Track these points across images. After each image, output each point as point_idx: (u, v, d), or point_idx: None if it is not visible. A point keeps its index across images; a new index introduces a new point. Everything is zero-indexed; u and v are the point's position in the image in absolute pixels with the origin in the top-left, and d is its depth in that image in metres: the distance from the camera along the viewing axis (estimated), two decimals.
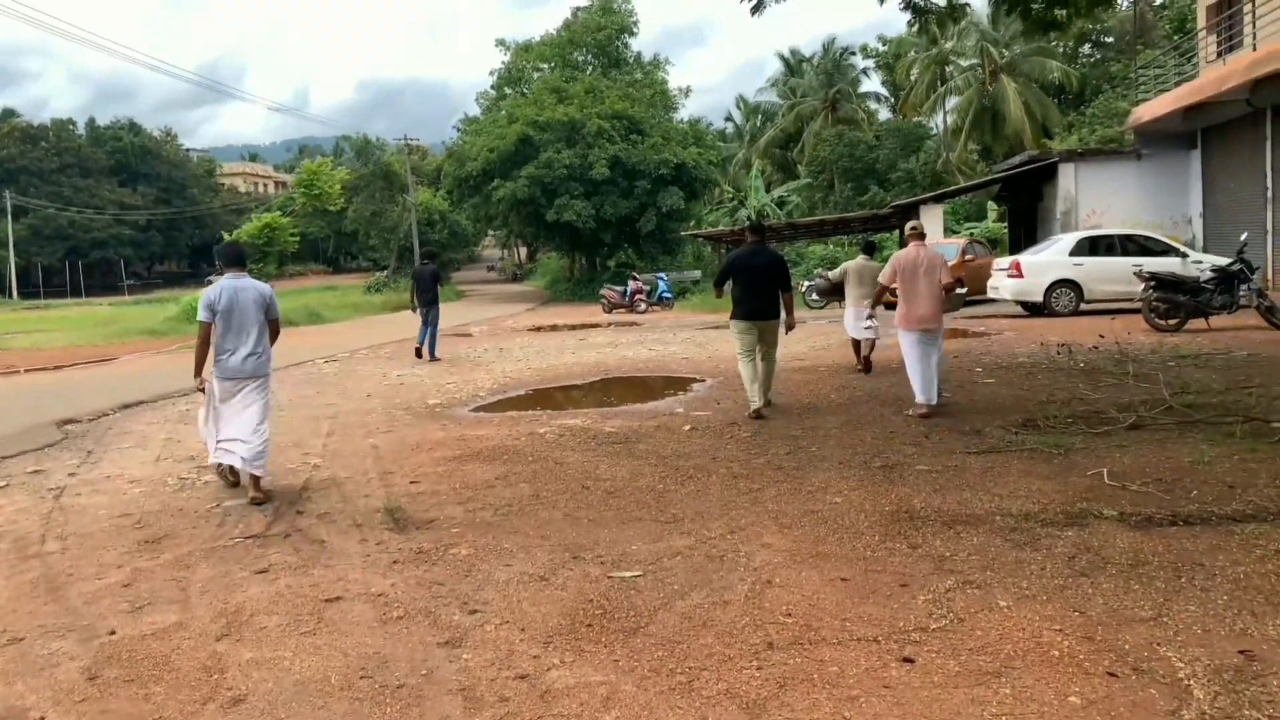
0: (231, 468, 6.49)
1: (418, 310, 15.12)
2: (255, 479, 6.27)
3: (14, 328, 28.09)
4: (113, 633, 3.97)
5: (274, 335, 6.63)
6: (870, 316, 10.89)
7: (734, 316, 8.97)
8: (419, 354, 14.94)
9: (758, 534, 4.96)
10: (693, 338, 17.00)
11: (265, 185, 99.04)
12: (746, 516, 5.29)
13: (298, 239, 28.59)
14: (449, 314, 28.20)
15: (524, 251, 76.60)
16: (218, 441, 6.33)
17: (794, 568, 4.42)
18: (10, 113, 72.36)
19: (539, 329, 22.01)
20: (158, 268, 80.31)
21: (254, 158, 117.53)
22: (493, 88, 42.48)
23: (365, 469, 7.09)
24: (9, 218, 59.51)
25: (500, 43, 42.13)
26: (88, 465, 7.56)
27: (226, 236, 25.90)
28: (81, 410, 10.31)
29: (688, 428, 8.16)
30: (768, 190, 42.56)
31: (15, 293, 57.16)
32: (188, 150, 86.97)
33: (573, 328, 21.94)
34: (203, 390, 6.48)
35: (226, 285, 6.38)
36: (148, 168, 72.94)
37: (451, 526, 5.38)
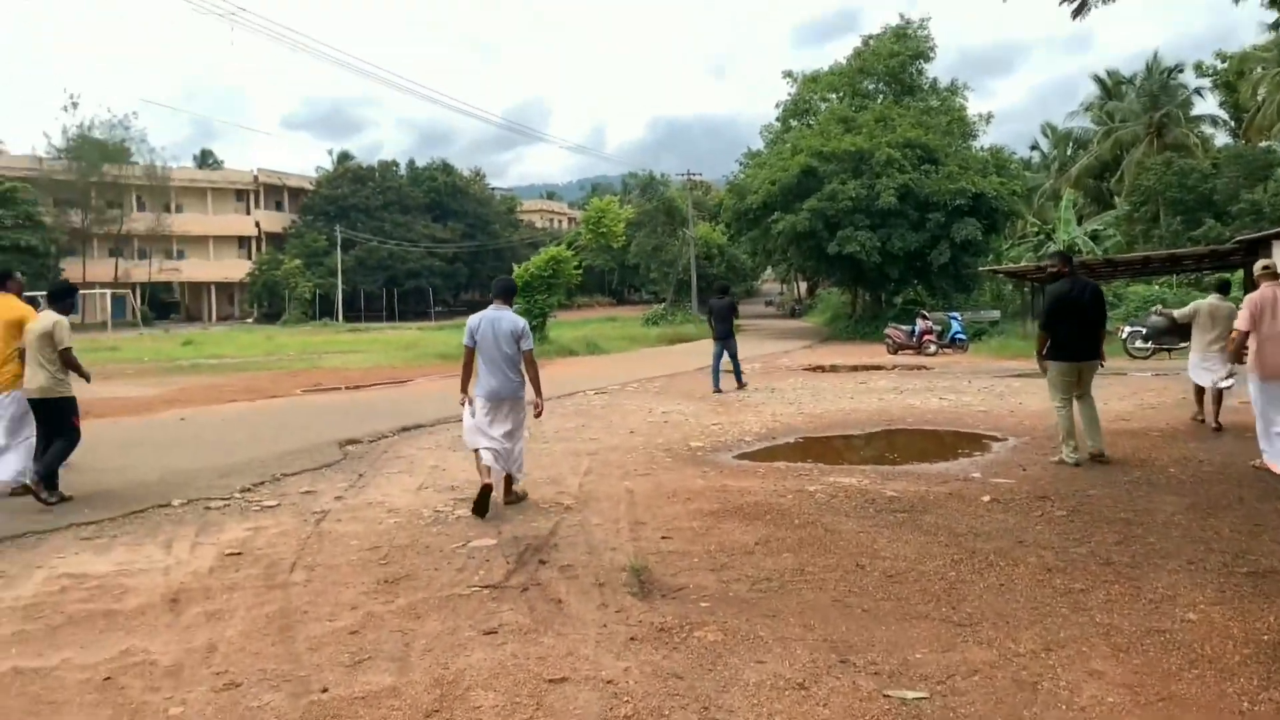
0: (483, 492, 6.68)
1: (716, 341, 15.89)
2: (508, 480, 7.06)
3: (332, 348, 31.28)
4: (325, 690, 3.69)
5: (530, 364, 7.15)
6: (1226, 365, 9.67)
7: (1054, 358, 8.29)
8: (730, 384, 15.62)
9: (1083, 655, 3.89)
10: (991, 387, 15.39)
11: (560, 221, 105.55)
12: (1067, 628, 4.21)
13: (581, 272, 29.56)
14: (707, 351, 28.03)
15: (803, 286, 75.67)
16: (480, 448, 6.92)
17: (1137, 713, 3.34)
18: (346, 156, 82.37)
19: (816, 369, 21.09)
20: (463, 296, 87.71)
21: (551, 195, 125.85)
22: (778, 120, 42.23)
23: (617, 516, 6.66)
24: (338, 250, 67.39)
25: (787, 74, 41.83)
26: (355, 489, 7.73)
27: (517, 269, 27.25)
28: (364, 431, 10.83)
29: (987, 498, 7.02)
30: (1079, 223, 38.87)
31: (341, 316, 64.49)
32: (493, 189, 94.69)
33: (853, 369, 20.82)
34: (465, 406, 7.16)
35: (487, 316, 7.14)
36: (457, 205, 79.99)
37: (701, 599, 4.75)
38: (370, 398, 15.33)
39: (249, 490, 7.61)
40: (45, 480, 7.06)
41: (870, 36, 39.88)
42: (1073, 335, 8.22)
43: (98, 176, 64.29)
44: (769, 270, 70.80)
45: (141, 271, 67.43)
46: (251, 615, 4.60)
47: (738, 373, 16.00)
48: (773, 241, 36.59)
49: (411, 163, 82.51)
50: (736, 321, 16.85)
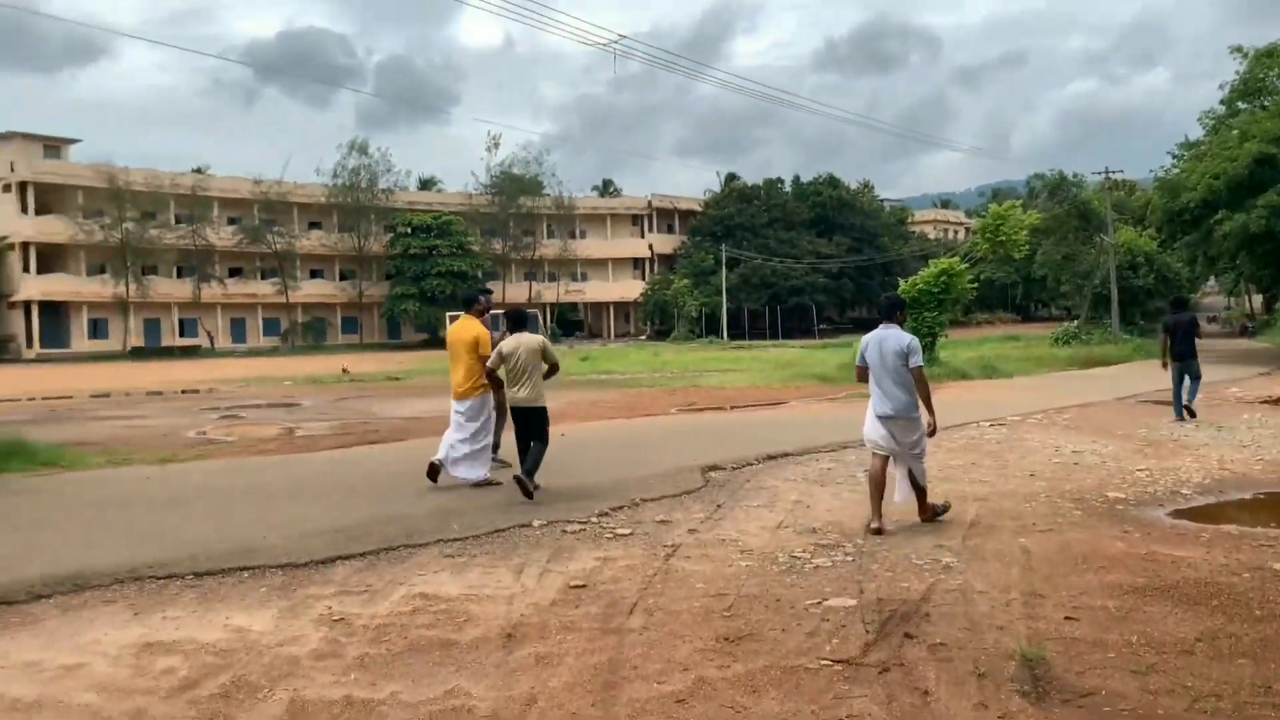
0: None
1: (1168, 365, 14.53)
2: (920, 497, 7.36)
3: (712, 366, 32.11)
4: None
5: (920, 382, 7.24)
6: None
7: None
8: (1187, 414, 13.99)
9: None
10: None
11: (954, 231, 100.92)
12: None
13: (976, 286, 27.53)
14: (1131, 375, 24.52)
15: (1257, 299, 64.96)
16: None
17: None
18: (732, 176, 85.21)
19: (1278, 401, 17.59)
20: (848, 313, 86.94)
21: (945, 204, 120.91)
22: (1222, 103, 36.57)
23: (1008, 583, 5.63)
24: (724, 268, 69.72)
25: (1236, 50, 36.04)
26: (711, 522, 7.40)
27: (901, 284, 26.02)
28: (729, 456, 10.56)
29: None
30: None
31: (725, 334, 66.61)
32: (881, 200, 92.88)
33: None
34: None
35: (875, 336, 7.47)
36: (843, 219, 79.41)
37: (1116, 711, 3.71)
38: (741, 420, 15.19)
39: (606, 515, 7.58)
40: (529, 476, 8.18)
41: None
42: None
43: (515, 208, 72.59)
44: (1211, 281, 61.68)
45: (551, 292, 74.89)
46: (580, 664, 4.33)
47: (1191, 398, 14.28)
48: (1216, 246, 31.62)
49: (796, 178, 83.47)
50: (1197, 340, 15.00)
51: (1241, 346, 42.90)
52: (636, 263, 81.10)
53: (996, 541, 6.71)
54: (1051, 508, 7.89)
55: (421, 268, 65.63)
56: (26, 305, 57.38)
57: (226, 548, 6.37)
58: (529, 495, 7.99)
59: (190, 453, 11.50)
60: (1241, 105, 35.36)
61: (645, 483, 8.97)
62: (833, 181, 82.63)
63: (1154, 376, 24.52)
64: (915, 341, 7.35)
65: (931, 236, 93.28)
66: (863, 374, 7.56)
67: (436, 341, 60.16)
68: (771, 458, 10.71)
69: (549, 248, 75.30)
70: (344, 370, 34.48)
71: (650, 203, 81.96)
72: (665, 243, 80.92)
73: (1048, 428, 13.77)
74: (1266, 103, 33.91)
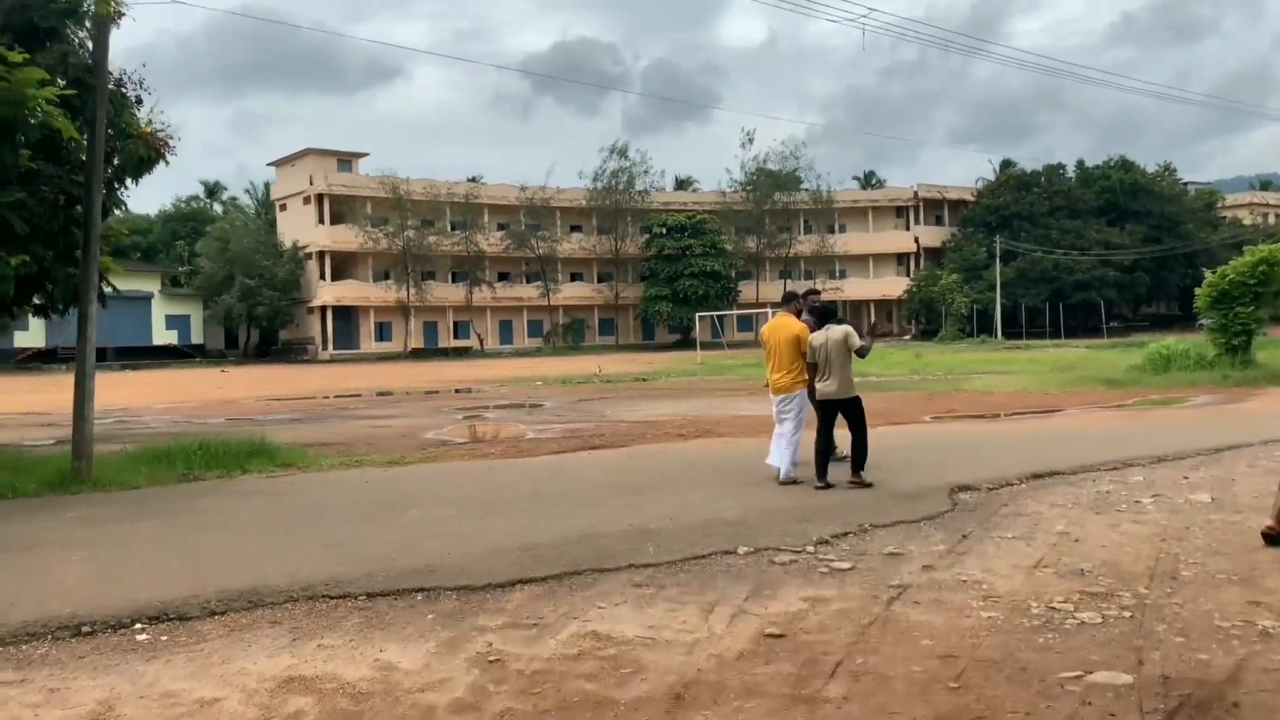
0: None
1: None
2: None
3: (981, 368, 29.72)
4: None
5: None
6: None
7: None
8: None
9: None
10: None
11: (1276, 215, 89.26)
12: None
13: None
14: None
15: None
16: None
17: None
18: (1008, 163, 79.70)
19: None
20: (1143, 309, 78.89)
21: (1265, 186, 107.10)
22: None
23: None
24: (997, 262, 65.19)
25: None
26: (952, 557, 6.28)
27: (1210, 275, 22.76)
28: (985, 475, 9.23)
29: None
30: None
31: (999, 333, 62.19)
32: (1185, 184, 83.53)
33: None
34: None
35: None
36: (1138, 205, 72.07)
37: None
38: (1006, 430, 13.59)
39: (825, 543, 6.65)
40: (856, 468, 8.86)
41: None
42: None
43: (770, 204, 71.70)
44: None
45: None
46: None
47: None
48: None
49: (1080, 163, 76.79)
50: None
51: None
52: (900, 258, 77.74)
53: None
54: None
55: (674, 268, 66.33)
56: (323, 310, 63.58)
57: (407, 564, 6.07)
58: (863, 484, 8.71)
59: (418, 455, 11.66)
60: None
61: (879, 504, 7.93)
62: (1125, 165, 75.24)
63: None
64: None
65: (1246, 222, 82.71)
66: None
67: (688, 342, 60.59)
68: (1037, 476, 9.27)
69: (805, 244, 73.74)
70: (597, 370, 35.17)
71: (916, 193, 78.25)
72: (933, 235, 76.94)
73: None
74: None
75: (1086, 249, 66.88)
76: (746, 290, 70.80)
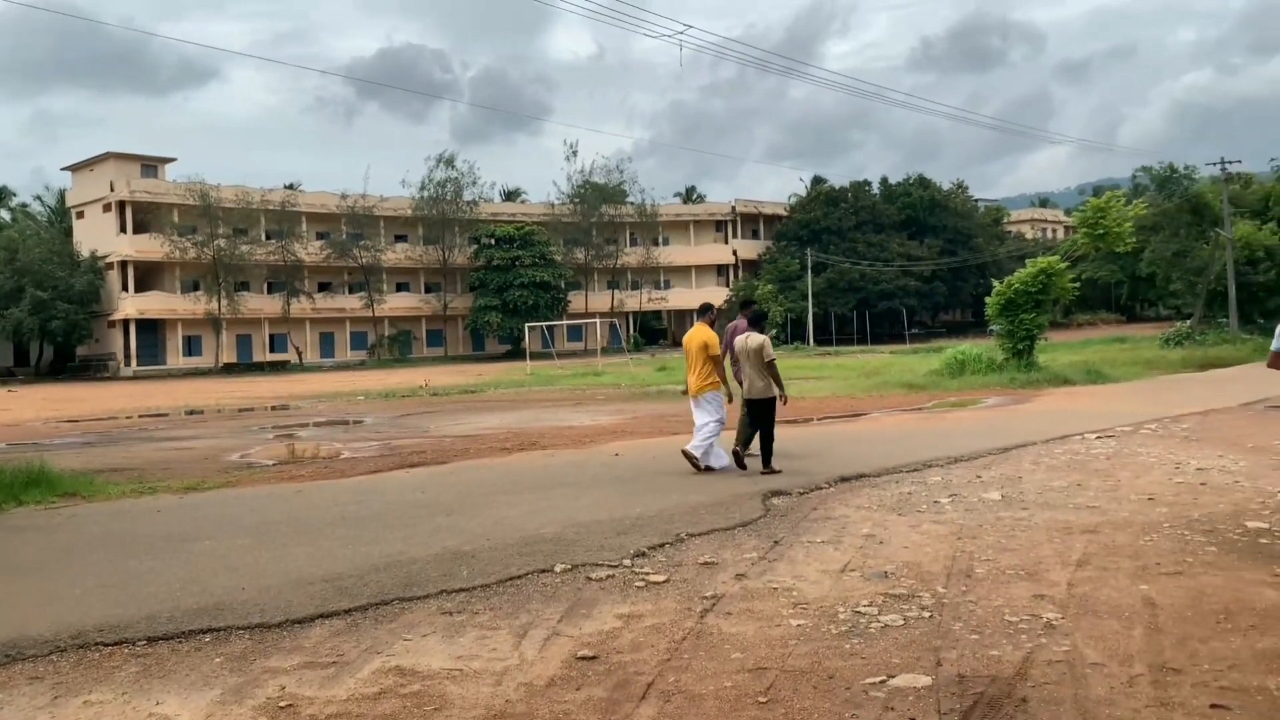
0: None
1: None
2: None
3: (795, 374, 30.72)
4: None
5: None
6: None
7: None
8: None
9: None
10: None
11: (1053, 230, 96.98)
12: None
13: (1078, 285, 25.70)
14: (1254, 378, 22.20)
15: None
16: None
17: None
18: (819, 180, 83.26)
19: None
20: (941, 317, 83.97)
21: (1044, 203, 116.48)
22: None
23: (1129, 651, 4.43)
24: (809, 272, 67.94)
25: None
26: (764, 564, 6.31)
27: (996, 285, 24.38)
28: (797, 480, 9.43)
29: None
30: None
31: (812, 340, 64.80)
32: (976, 200, 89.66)
33: None
34: None
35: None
36: (935, 220, 76.73)
37: None
38: (816, 434, 13.97)
39: (642, 555, 6.55)
40: (766, 462, 9.97)
41: None
42: None
43: (597, 217, 72.14)
44: None
45: (634, 301, 74.22)
46: None
47: None
48: None
49: (884, 180, 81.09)
50: None
51: None
52: (720, 269, 79.88)
53: (1112, 589, 5.48)
54: (1178, 542, 6.57)
55: (504, 279, 65.64)
56: (125, 323, 59.20)
57: (194, 603, 5.55)
58: (776, 472, 9.83)
59: (219, 479, 10.86)
60: None
61: (695, 512, 7.92)
62: (923, 182, 80.00)
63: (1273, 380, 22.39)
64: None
65: (1029, 236, 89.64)
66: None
67: (518, 353, 60.04)
68: (845, 480, 9.54)
69: (632, 256, 74.61)
70: (424, 384, 34.22)
71: (734, 208, 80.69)
72: (750, 248, 79.52)
73: (1165, 439, 12.24)
74: None
75: (890, 261, 70.59)
76: (576, 301, 70.92)
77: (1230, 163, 44.17)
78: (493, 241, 67.34)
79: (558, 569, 6.21)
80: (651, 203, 75.69)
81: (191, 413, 25.24)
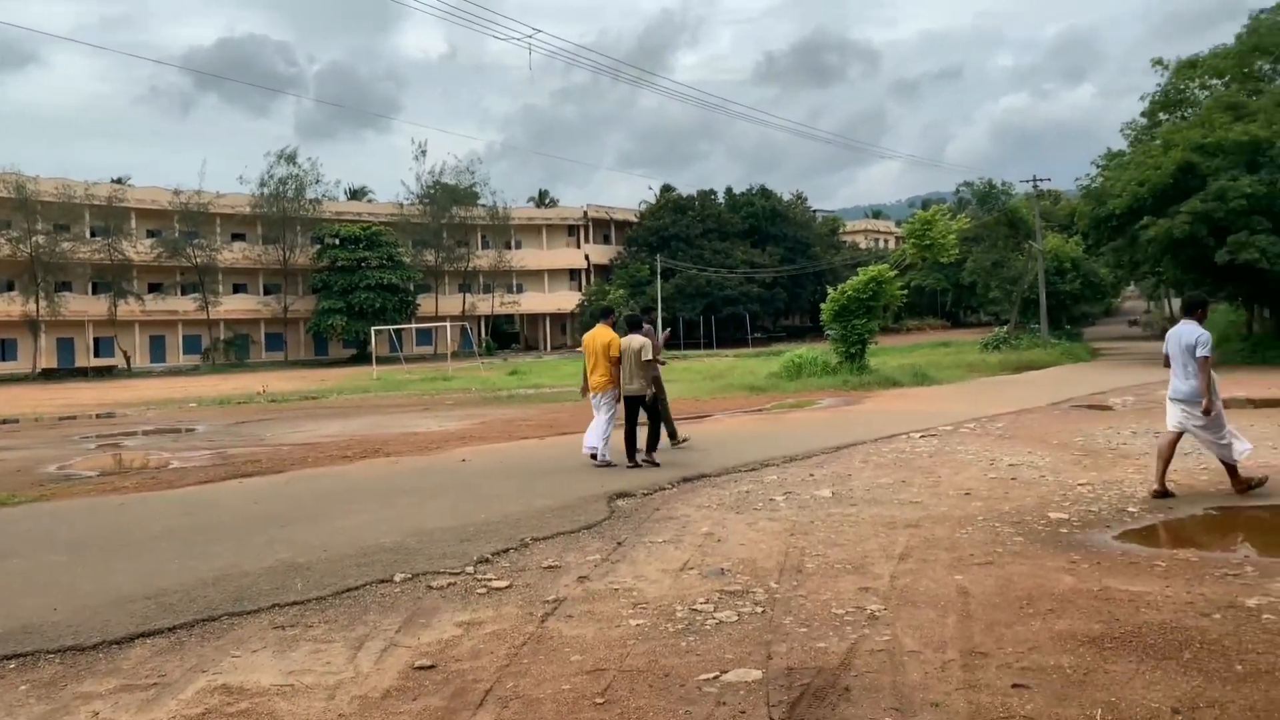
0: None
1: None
2: (1232, 470, 8.20)
3: None
4: None
5: (1201, 370, 8.06)
6: None
7: None
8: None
9: None
10: None
11: (885, 241, 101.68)
12: None
13: (906, 293, 27.03)
14: (1061, 379, 24.19)
15: (1176, 303, 66.24)
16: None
17: None
18: (668, 188, 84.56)
19: None
20: (782, 322, 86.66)
21: (877, 215, 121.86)
22: (1143, 115, 36.71)
23: (943, 638, 4.69)
24: (659, 278, 68.92)
25: (1157, 62, 36.24)
26: (606, 565, 6.35)
27: (831, 292, 25.35)
28: (640, 481, 9.55)
29: None
30: None
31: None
32: (814, 211, 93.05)
33: (1257, 404, 16.63)
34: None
35: (1173, 329, 8.53)
36: (776, 229, 79.12)
37: None
38: (663, 437, 14.15)
39: (486, 561, 6.48)
40: (650, 449, 10.87)
41: (1263, 11, 33.57)
42: None
43: (448, 218, 70.86)
44: (1131, 285, 62.78)
45: (486, 304, 73.31)
46: None
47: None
48: (1140, 252, 31.56)
49: (729, 190, 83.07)
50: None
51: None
52: (573, 274, 79.98)
53: (930, 579, 5.79)
54: (990, 534, 7.01)
55: (349, 281, 63.62)
56: None
57: (1, 628, 5.14)
58: (655, 465, 10.59)
59: (33, 493, 10.07)
60: (1163, 116, 35.51)
61: (541, 517, 7.90)
62: (765, 193, 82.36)
63: (1085, 380, 24.26)
64: (1203, 337, 8.14)
65: (863, 246, 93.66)
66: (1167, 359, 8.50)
67: (364, 357, 58.28)
68: (687, 480, 9.72)
69: (483, 259, 73.67)
70: (262, 390, 32.74)
71: (586, 213, 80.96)
72: (602, 253, 79.95)
73: (981, 437, 13.02)
74: (1187, 113, 34.09)
75: (734, 267, 72.37)
76: (425, 304, 69.45)
77: (1041, 180, 47.43)
78: (337, 242, 65.19)
79: (397, 579, 6.07)
80: (504, 205, 75.00)
81: (4, 422, 23.31)
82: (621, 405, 10.78)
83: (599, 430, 10.76)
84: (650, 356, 10.80)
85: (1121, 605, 5.12)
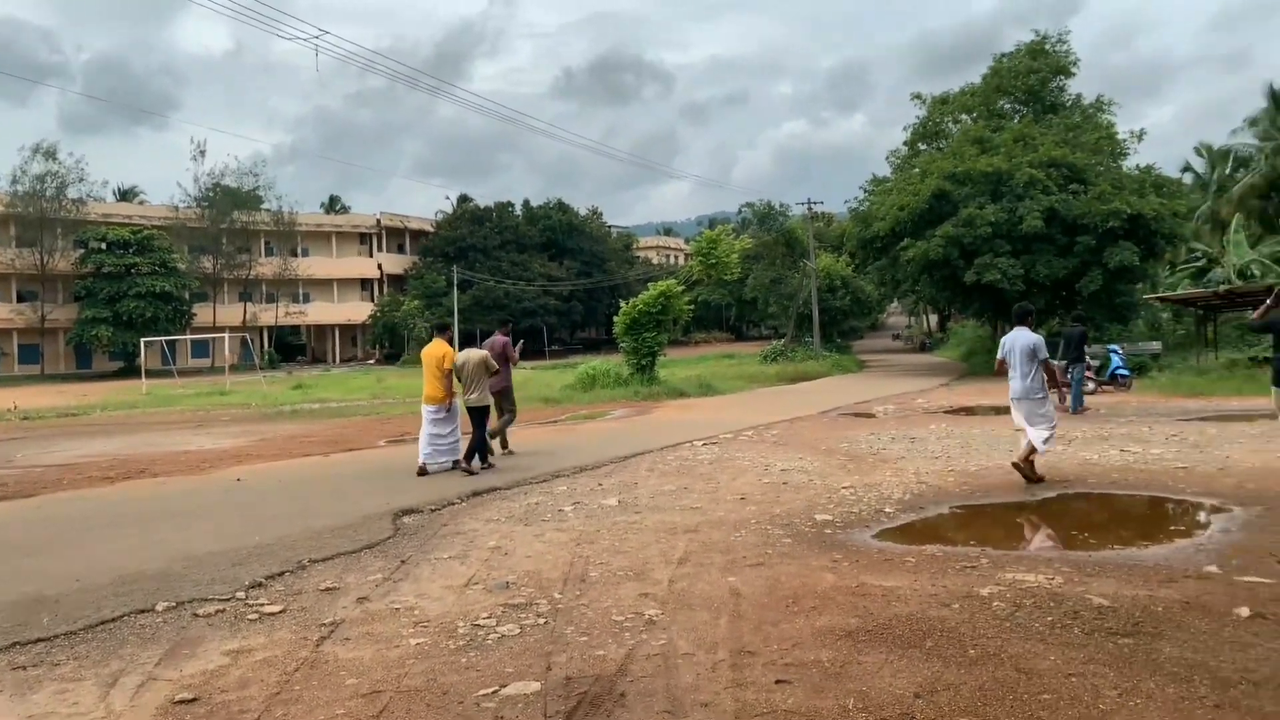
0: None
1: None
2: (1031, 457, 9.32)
3: None
4: None
5: (1046, 370, 9.38)
6: None
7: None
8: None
9: None
10: (1180, 434, 12.87)
11: (676, 257, 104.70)
12: None
13: (693, 307, 27.95)
14: (832, 389, 25.91)
15: (933, 319, 72.10)
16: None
17: None
18: (465, 198, 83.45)
19: (958, 411, 18.75)
20: (579, 334, 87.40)
21: (668, 232, 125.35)
22: (905, 144, 39.86)
23: (715, 639, 4.87)
24: (455, 289, 67.86)
25: (916, 97, 39.49)
26: (389, 584, 6.17)
27: (624, 305, 25.83)
28: (430, 496, 9.36)
29: (1244, 611, 4.97)
30: (1253, 246, 34.98)
31: None
32: (609, 226, 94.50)
33: (1000, 411, 18.34)
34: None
35: (1009, 335, 9.48)
36: (573, 243, 79.82)
37: None
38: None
39: (258, 586, 6.14)
40: (470, 457, 11.17)
41: (1004, 55, 37.27)
42: None
43: (228, 223, 66.70)
44: (895, 302, 67.83)
45: (269, 315, 69.47)
46: None
47: (1077, 398, 17.04)
48: (901, 271, 34.17)
49: (526, 202, 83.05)
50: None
51: (923, 361, 46.95)
52: (365, 283, 77.20)
53: (705, 583, 6.00)
54: (761, 536, 7.35)
55: (117, 288, 58.57)
56: None
57: None
58: (473, 473, 10.89)
59: None
60: (921, 147, 38.63)
61: (320, 537, 7.57)
62: (562, 207, 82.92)
63: (853, 390, 25.98)
64: (1040, 341, 9.35)
65: (655, 262, 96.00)
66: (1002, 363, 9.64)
67: (133, 370, 53.85)
68: (477, 494, 9.61)
69: (267, 266, 69.74)
70: (12, 407, 29.52)
71: (379, 221, 78.41)
72: (396, 263, 77.67)
73: (758, 444, 13.64)
74: (942, 145, 37.22)
75: (532, 280, 72.37)
76: (203, 313, 64.96)
77: (816, 203, 50.37)
78: (104, 246, 59.87)
79: (160, 608, 5.64)
80: (290, 210, 71.46)
81: None
82: (466, 415, 11.28)
83: (440, 442, 11.11)
84: (496, 367, 11.49)
85: (875, 600, 5.50)
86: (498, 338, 12.84)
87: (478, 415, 11.21)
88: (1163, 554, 6.45)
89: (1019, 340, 9.32)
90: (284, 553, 7.00)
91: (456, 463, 11.17)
